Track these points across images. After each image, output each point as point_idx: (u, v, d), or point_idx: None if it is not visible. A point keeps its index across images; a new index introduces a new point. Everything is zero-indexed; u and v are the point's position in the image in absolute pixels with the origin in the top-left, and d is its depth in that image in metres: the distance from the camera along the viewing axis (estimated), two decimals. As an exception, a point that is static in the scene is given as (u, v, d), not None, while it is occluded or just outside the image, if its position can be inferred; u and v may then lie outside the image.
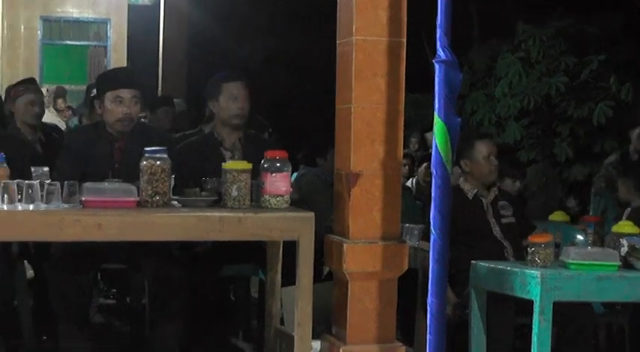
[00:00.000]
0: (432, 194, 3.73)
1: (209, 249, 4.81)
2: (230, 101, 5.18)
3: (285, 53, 13.93)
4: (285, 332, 4.67)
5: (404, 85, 4.33)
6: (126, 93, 4.83)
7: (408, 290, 4.73)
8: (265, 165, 4.31)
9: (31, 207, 4.03)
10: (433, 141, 3.73)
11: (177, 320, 4.70)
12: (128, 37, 12.38)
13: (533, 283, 4.08)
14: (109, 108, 4.83)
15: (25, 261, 5.21)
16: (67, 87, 12.46)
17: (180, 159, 5.17)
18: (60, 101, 10.58)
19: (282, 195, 4.29)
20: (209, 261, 4.95)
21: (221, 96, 5.20)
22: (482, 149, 5.25)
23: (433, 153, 3.71)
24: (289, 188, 4.34)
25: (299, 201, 4.99)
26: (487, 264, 4.43)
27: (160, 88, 12.00)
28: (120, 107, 4.82)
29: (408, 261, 4.35)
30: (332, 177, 6.90)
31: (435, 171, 3.72)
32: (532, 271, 4.14)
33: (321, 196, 6.27)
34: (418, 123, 12.26)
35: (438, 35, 3.77)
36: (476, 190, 5.27)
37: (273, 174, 4.27)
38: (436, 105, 3.70)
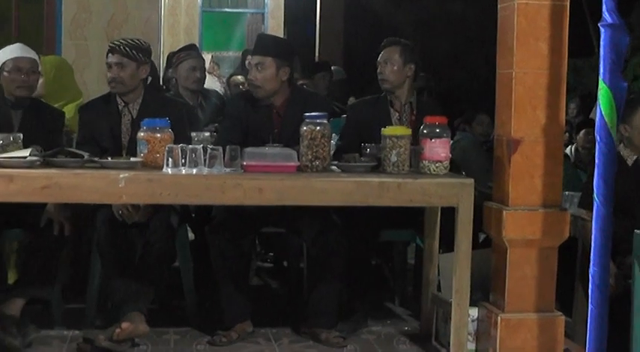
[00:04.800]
0: (596, 161, 3.62)
1: (368, 215, 4.83)
2: (382, 65, 5.20)
3: (443, 18, 13.80)
4: (442, 299, 4.67)
5: (567, 49, 4.24)
6: (254, 60, 4.92)
7: (567, 259, 4.64)
8: (425, 131, 4.31)
9: (195, 171, 4.14)
10: (597, 107, 3.63)
11: (335, 283, 4.76)
12: (285, 4, 12.44)
13: (699, 253, 3.95)
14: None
15: (187, 224, 5.33)
16: (225, 53, 12.66)
17: (351, 115, 5.39)
18: (215, 67, 10.77)
19: (441, 161, 4.29)
20: (367, 226, 4.97)
21: (377, 61, 5.23)
22: None
23: (597, 118, 3.61)
24: (448, 154, 4.32)
25: (455, 166, 4.97)
26: (650, 234, 4.31)
27: (316, 55, 12.05)
28: (251, 73, 4.92)
29: (568, 229, 4.28)
30: (487, 143, 6.84)
31: (599, 138, 3.61)
32: (698, 241, 4.01)
33: (475, 162, 6.22)
34: (577, 88, 11.97)
35: (603, -2, 3.66)
36: (635, 156, 5.09)
37: (433, 140, 4.28)
38: (601, 70, 3.59)
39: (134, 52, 4.85)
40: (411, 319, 5.28)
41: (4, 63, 4.89)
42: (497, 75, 4.37)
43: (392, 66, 5.17)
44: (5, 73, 4.88)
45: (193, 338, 4.79)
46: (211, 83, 8.45)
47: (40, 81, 5.72)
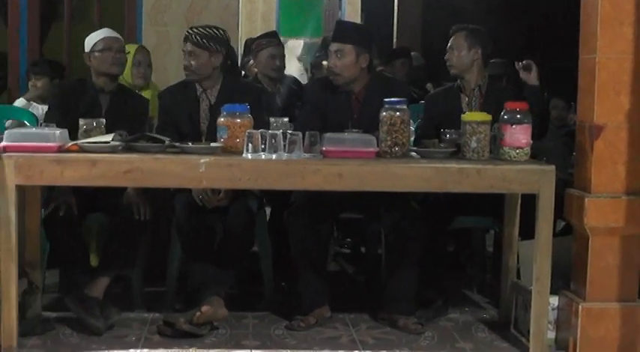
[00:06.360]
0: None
1: (445, 201, 4.80)
2: (449, 51, 5.16)
3: (522, 3, 13.61)
4: (521, 287, 4.63)
5: (653, 33, 4.16)
6: (333, 46, 4.92)
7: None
8: (505, 117, 4.27)
9: (274, 156, 4.15)
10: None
11: (413, 270, 4.74)
12: (362, -12, 12.40)
13: None
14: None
15: (266, 209, 5.36)
16: (303, 40, 12.66)
17: (426, 106, 5.38)
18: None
19: (522, 148, 4.24)
20: (446, 212, 4.95)
21: (447, 47, 5.19)
22: None
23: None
24: (529, 140, 4.27)
25: (542, 152, 4.92)
26: None
27: (394, 40, 12.00)
28: (330, 60, 4.91)
29: (653, 217, 4.21)
30: (564, 128, 6.73)
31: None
32: None
33: (552, 148, 6.15)
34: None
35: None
36: None
37: (514, 126, 4.23)
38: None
39: (205, 41, 4.87)
40: (489, 307, 5.24)
41: (93, 45, 5.00)
42: (579, 60, 4.31)
43: (458, 51, 5.13)
44: (97, 53, 4.98)
45: (271, 323, 4.82)
46: (290, 69, 8.44)
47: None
